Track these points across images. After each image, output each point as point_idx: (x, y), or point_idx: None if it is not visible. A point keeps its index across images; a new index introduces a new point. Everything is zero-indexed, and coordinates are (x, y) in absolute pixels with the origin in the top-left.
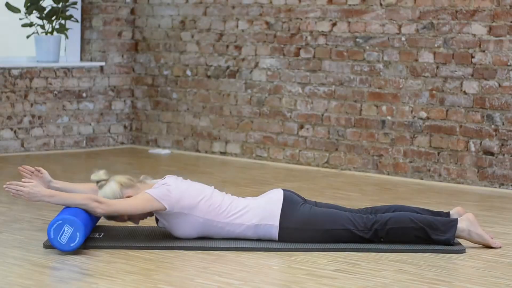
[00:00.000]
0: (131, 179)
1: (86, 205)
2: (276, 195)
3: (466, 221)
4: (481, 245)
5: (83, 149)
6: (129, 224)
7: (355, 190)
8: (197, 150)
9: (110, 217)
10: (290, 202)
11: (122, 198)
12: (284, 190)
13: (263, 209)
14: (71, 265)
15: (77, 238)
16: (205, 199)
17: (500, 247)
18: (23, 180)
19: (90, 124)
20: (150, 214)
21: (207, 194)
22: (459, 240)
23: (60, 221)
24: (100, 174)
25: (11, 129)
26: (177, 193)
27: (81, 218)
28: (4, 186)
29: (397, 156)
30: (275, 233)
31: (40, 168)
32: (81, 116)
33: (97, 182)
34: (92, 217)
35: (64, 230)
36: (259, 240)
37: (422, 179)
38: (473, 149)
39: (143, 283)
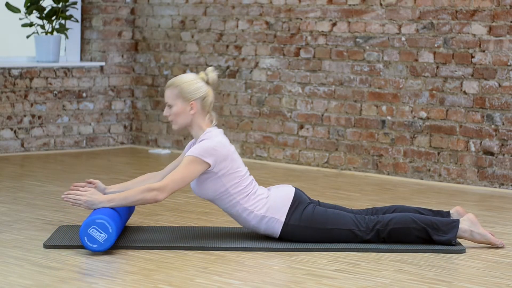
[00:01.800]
0: (210, 106)
1: (145, 198)
2: (288, 191)
3: (467, 222)
4: (484, 244)
5: (83, 149)
6: (130, 224)
7: (355, 190)
8: None
9: None
10: (299, 201)
11: (190, 100)
12: (295, 188)
13: (273, 202)
14: (71, 265)
15: (111, 234)
16: (240, 173)
17: (503, 246)
18: (80, 189)
19: (90, 124)
20: None
21: (243, 169)
22: (460, 240)
23: (92, 223)
24: (213, 76)
25: (11, 129)
26: (223, 150)
27: (112, 218)
28: (62, 196)
29: (397, 156)
30: (278, 228)
31: (92, 180)
32: (81, 116)
33: (205, 74)
34: (122, 216)
35: (96, 232)
36: (258, 239)
37: (422, 179)
38: (473, 149)
39: (143, 283)
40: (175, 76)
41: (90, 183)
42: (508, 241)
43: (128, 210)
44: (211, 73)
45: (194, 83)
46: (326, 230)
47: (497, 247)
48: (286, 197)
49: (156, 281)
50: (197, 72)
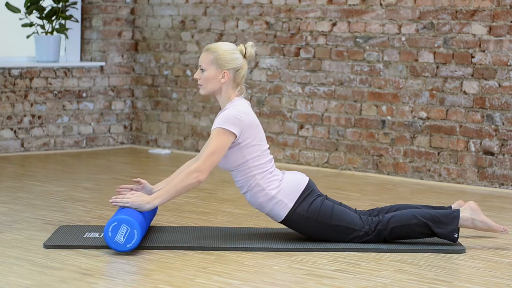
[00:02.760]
0: (242, 78)
1: (188, 183)
2: (302, 179)
3: (468, 210)
4: (487, 232)
5: (83, 149)
6: None
7: (355, 190)
8: (197, 150)
9: None
10: (310, 191)
11: (224, 68)
12: (309, 178)
13: (286, 186)
14: (71, 265)
15: (135, 238)
16: (262, 147)
17: (506, 232)
18: (124, 193)
19: (90, 124)
20: None
21: (264, 144)
22: (460, 240)
23: (116, 222)
24: (250, 51)
25: (11, 129)
26: (248, 119)
27: (136, 218)
28: (110, 201)
29: (397, 156)
30: (283, 212)
31: (139, 179)
32: (81, 116)
33: (244, 48)
34: (146, 216)
35: (121, 230)
36: (258, 240)
37: (422, 179)
38: (473, 149)
39: (143, 283)
40: (175, 76)
41: (137, 182)
42: (508, 241)
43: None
44: (250, 48)
45: (231, 53)
46: (330, 225)
47: (499, 248)
48: (299, 184)
49: (156, 281)
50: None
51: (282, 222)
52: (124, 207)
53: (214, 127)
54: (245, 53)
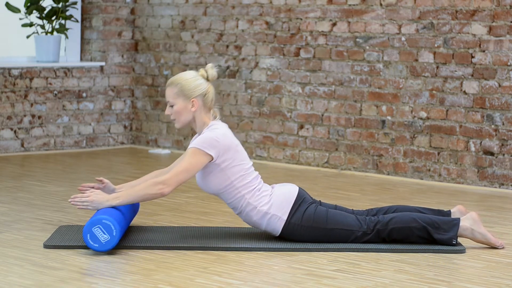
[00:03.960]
0: (212, 102)
1: (150, 193)
2: (292, 190)
3: (469, 220)
4: (484, 245)
5: (83, 149)
6: (130, 224)
7: (355, 190)
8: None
9: None
10: (301, 200)
11: (191, 97)
12: (299, 187)
13: (277, 200)
14: (71, 265)
15: (112, 228)
16: (244, 166)
17: (503, 247)
18: (85, 191)
19: (90, 124)
20: None
21: (247, 163)
22: (460, 240)
23: (89, 234)
24: (212, 73)
25: (11, 129)
26: (226, 142)
27: (118, 221)
28: (69, 200)
29: (397, 156)
30: (279, 226)
31: (102, 178)
32: (81, 116)
33: (205, 71)
34: (127, 218)
35: (98, 233)
36: (258, 239)
37: (422, 179)
38: (473, 149)
39: (143, 283)
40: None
41: (100, 181)
42: (508, 241)
43: (133, 211)
44: (211, 70)
45: (194, 80)
46: (327, 230)
47: (499, 248)
48: (290, 195)
49: (156, 281)
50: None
51: (280, 235)
52: (83, 207)
53: (191, 146)
54: (207, 76)
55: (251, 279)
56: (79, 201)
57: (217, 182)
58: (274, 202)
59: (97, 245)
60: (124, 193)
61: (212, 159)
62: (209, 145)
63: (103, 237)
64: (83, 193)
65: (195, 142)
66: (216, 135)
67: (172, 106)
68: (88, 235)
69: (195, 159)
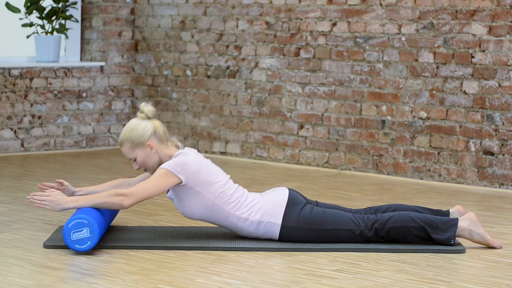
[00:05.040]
0: (165, 134)
1: (111, 202)
2: (282, 194)
3: (467, 220)
4: (482, 245)
5: (83, 149)
6: (130, 224)
7: (355, 190)
8: (198, 150)
9: None
10: (294, 202)
11: (145, 142)
12: (289, 189)
13: (268, 207)
14: (71, 265)
15: (92, 238)
16: (220, 183)
17: (500, 248)
18: (45, 190)
19: (90, 124)
20: None
21: (223, 179)
22: (459, 240)
23: (76, 221)
24: (149, 109)
25: (11, 129)
26: (195, 165)
27: (95, 218)
28: (28, 197)
29: (397, 156)
30: (276, 231)
31: (62, 180)
32: (81, 116)
33: (141, 112)
34: (106, 216)
35: (79, 231)
36: (258, 239)
37: (422, 179)
38: (473, 149)
39: (143, 283)
40: (175, 76)
41: (60, 183)
42: (508, 241)
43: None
44: (146, 107)
45: (137, 128)
46: (325, 230)
47: (499, 248)
48: (280, 199)
49: (156, 281)
50: (196, 71)
51: (279, 240)
52: (40, 205)
53: (162, 167)
54: (147, 115)
55: (251, 279)
56: (38, 199)
57: (198, 206)
58: (266, 209)
59: (89, 242)
60: (85, 198)
61: (181, 183)
62: (180, 168)
63: (82, 233)
64: (43, 191)
65: (167, 164)
66: (186, 159)
67: (135, 160)
68: (76, 244)
69: (164, 180)
